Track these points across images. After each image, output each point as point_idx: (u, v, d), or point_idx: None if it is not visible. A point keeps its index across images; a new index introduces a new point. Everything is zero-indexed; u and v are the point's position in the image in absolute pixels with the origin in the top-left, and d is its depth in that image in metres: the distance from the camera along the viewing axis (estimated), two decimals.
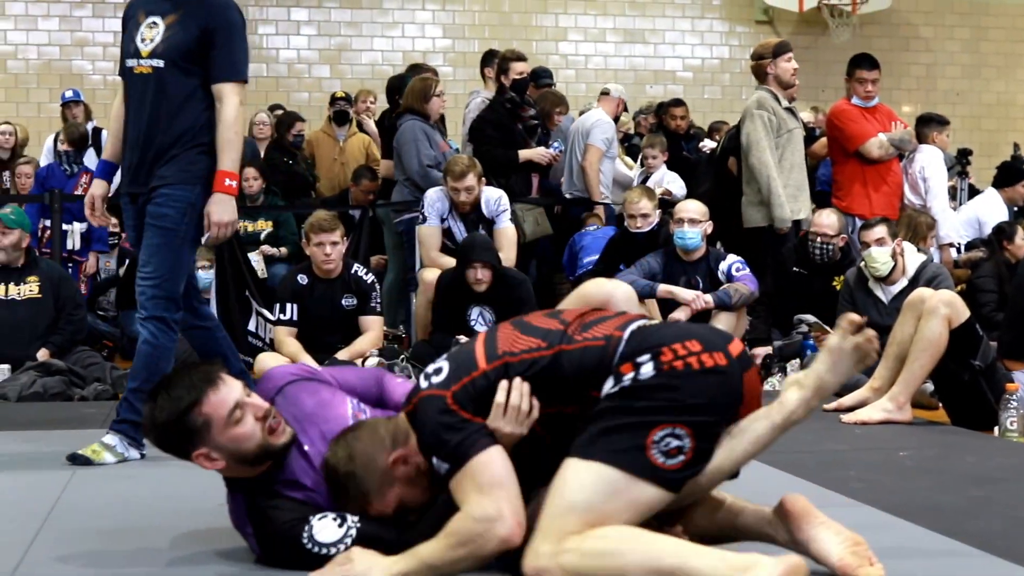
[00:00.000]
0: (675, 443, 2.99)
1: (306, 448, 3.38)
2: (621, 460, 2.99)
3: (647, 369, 3.05)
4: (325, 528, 3.24)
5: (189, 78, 5.02)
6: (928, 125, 9.90)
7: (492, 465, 3.07)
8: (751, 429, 3.14)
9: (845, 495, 4.34)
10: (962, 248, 10.06)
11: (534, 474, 3.14)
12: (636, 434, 2.99)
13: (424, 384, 3.21)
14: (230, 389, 3.28)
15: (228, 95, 5.02)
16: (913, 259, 7.48)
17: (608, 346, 3.12)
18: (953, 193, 11.46)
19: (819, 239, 8.17)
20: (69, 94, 11.45)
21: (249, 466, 3.34)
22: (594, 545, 2.94)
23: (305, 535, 3.24)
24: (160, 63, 5.02)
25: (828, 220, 8.21)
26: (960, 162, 12.11)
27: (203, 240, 5.05)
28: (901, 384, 6.15)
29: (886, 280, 7.42)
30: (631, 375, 3.05)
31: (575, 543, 2.95)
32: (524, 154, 9.45)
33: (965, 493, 4.49)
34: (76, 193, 9.76)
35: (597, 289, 3.62)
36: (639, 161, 11.21)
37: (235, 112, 5.02)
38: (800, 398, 3.17)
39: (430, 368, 3.26)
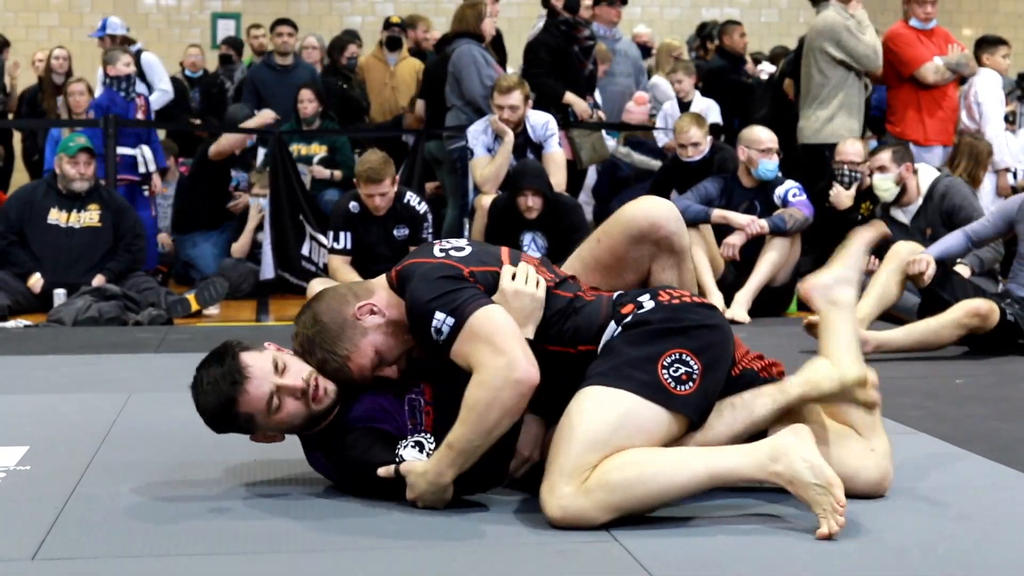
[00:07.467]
0: (684, 369, 3.08)
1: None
2: (634, 385, 3.05)
3: (649, 304, 3.17)
4: (412, 458, 3.18)
5: None
6: (982, 47, 9.70)
7: (494, 318, 3.07)
8: (754, 405, 3.21)
9: (901, 423, 4.31)
10: (1018, 174, 9.91)
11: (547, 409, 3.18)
12: (647, 360, 3.07)
13: (440, 254, 3.24)
14: (260, 381, 3.18)
15: None
16: (926, 177, 7.53)
17: (600, 301, 3.25)
18: (1012, 118, 11.29)
19: (846, 167, 8.06)
20: (119, 28, 11.14)
21: (307, 430, 3.31)
22: (620, 477, 2.95)
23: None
24: None
25: (853, 148, 8.08)
26: (1020, 86, 11.92)
27: None
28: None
29: (900, 203, 7.47)
30: (633, 312, 3.16)
31: (598, 479, 2.95)
32: (568, 98, 9.26)
33: (1022, 421, 4.46)
34: (138, 117, 9.68)
35: (641, 212, 3.42)
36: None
37: None
38: (799, 393, 3.24)
39: (447, 244, 3.30)
